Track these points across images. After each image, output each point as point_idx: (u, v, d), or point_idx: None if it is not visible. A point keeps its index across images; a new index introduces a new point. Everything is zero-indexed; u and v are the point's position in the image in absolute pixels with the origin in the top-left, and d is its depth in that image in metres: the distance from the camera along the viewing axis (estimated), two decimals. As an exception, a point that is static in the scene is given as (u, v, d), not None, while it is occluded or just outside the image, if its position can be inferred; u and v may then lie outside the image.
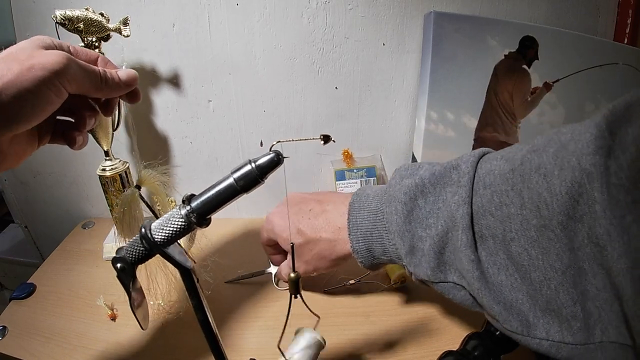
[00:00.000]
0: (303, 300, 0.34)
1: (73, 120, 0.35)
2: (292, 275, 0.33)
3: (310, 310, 0.36)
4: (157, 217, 0.30)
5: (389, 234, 0.35)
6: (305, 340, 0.37)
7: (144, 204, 0.30)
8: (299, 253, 0.44)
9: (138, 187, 0.31)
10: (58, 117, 0.35)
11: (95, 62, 0.35)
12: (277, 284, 0.53)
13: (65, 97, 0.30)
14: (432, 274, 0.33)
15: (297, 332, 0.38)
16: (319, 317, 0.37)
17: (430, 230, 0.32)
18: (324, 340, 0.38)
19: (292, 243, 0.33)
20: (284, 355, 0.35)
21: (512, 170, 0.29)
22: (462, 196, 0.31)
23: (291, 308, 0.33)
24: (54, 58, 0.28)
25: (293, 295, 0.34)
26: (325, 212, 0.43)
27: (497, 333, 0.38)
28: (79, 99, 0.34)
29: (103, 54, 0.53)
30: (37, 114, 0.29)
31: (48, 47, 0.30)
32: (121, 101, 0.56)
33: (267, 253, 0.52)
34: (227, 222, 0.69)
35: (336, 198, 0.44)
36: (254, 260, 0.57)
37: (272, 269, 0.54)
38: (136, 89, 0.37)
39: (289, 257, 0.47)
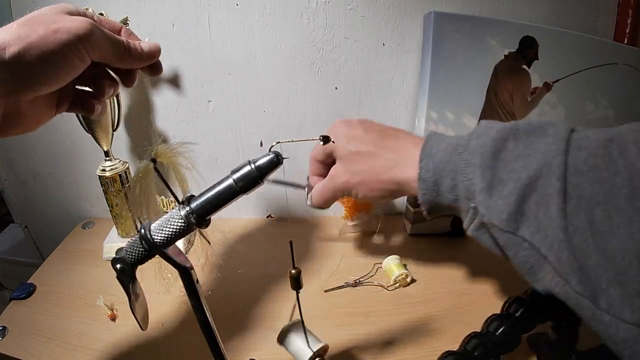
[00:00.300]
0: (299, 305, 0.34)
1: (92, 90, 0.36)
2: (293, 272, 0.33)
3: (315, 337, 0.36)
4: (172, 194, 0.30)
5: (467, 167, 0.32)
6: (299, 347, 0.37)
7: (159, 179, 0.29)
8: (352, 160, 0.41)
9: (154, 160, 0.30)
10: (77, 87, 0.35)
11: (118, 33, 0.35)
12: (308, 200, 0.48)
13: (88, 63, 0.30)
14: (507, 220, 0.30)
15: (305, 334, 0.38)
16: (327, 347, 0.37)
17: (514, 174, 0.30)
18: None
19: (290, 241, 0.32)
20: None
21: (609, 139, 0.29)
22: (560, 147, 0.29)
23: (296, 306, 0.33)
24: (79, 23, 0.29)
25: (296, 291, 0.34)
26: (397, 136, 0.40)
27: (498, 333, 0.38)
28: (100, 69, 0.34)
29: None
30: (60, 77, 0.29)
31: (72, 13, 0.31)
32: (121, 101, 0.57)
33: (311, 169, 0.48)
34: (224, 222, 0.69)
35: (408, 133, 0.42)
36: (253, 260, 0.57)
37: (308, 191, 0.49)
38: (158, 62, 0.37)
39: (327, 180, 0.44)
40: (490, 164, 0.31)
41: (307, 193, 0.48)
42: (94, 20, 0.32)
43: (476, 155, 0.32)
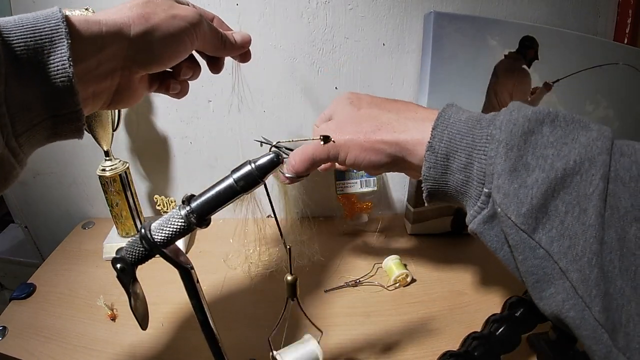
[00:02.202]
0: (302, 309, 0.34)
1: (171, 70, 0.37)
2: (289, 278, 0.33)
3: (313, 324, 0.36)
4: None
5: (489, 143, 0.27)
6: (305, 351, 0.37)
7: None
8: (348, 117, 0.35)
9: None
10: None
11: (212, 22, 0.37)
12: (282, 173, 0.39)
13: (193, 49, 0.33)
14: (525, 215, 0.25)
15: (303, 339, 0.38)
16: (321, 332, 0.37)
17: (545, 161, 0.25)
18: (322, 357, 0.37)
19: (289, 246, 0.32)
20: (271, 348, 0.35)
21: None
22: (605, 145, 0.25)
23: (291, 311, 0.33)
24: (192, 13, 0.31)
25: (290, 299, 0.34)
26: (407, 103, 0.36)
27: (498, 333, 0.38)
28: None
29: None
30: (173, 58, 0.32)
31: (181, 2, 0.33)
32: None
33: (318, 124, 0.40)
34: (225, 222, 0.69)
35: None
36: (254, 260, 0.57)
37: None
38: (248, 50, 0.40)
39: (331, 122, 0.37)
40: (518, 143, 0.26)
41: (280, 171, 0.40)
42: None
43: (503, 131, 0.26)
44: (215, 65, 0.40)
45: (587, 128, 0.26)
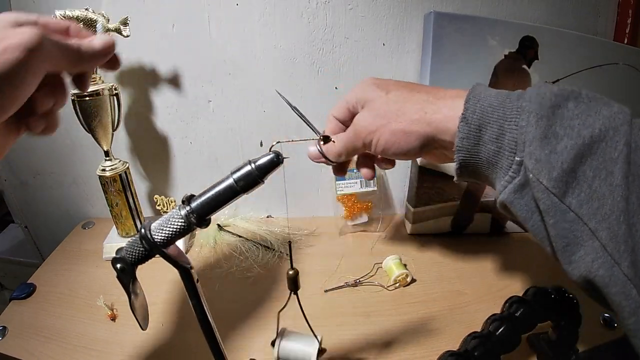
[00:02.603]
0: (301, 308, 0.34)
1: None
2: (291, 272, 0.33)
3: (313, 332, 0.36)
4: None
5: (521, 114, 0.28)
6: (304, 350, 0.37)
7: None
8: (377, 105, 0.35)
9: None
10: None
11: (67, 32, 0.32)
12: (319, 147, 0.41)
13: (41, 77, 0.27)
14: (556, 180, 0.26)
15: (309, 337, 0.38)
16: (320, 342, 0.37)
17: (572, 130, 0.27)
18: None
19: (289, 241, 0.33)
20: (278, 325, 0.35)
21: None
22: (626, 118, 0.27)
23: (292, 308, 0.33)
24: (27, 37, 0.25)
25: (292, 293, 0.34)
26: (434, 86, 0.36)
27: (498, 333, 0.38)
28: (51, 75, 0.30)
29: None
30: (15, 101, 0.26)
31: (19, 24, 0.27)
32: (121, 101, 0.57)
33: (328, 126, 0.42)
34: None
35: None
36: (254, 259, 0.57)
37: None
38: (114, 56, 0.33)
39: (349, 129, 0.38)
40: (547, 114, 0.27)
41: (318, 142, 0.41)
42: (40, 25, 0.29)
43: (533, 103, 0.28)
44: (81, 82, 0.33)
45: (608, 104, 0.28)
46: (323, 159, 0.40)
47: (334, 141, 0.33)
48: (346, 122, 0.40)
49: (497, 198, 0.30)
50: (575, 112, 0.27)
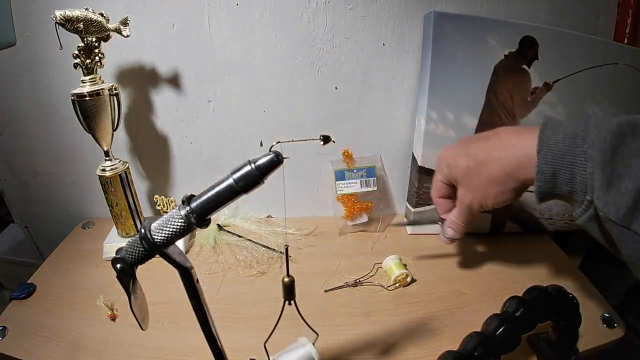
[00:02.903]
0: (299, 311, 0.34)
1: None
2: (286, 279, 0.33)
3: (309, 326, 0.36)
4: None
5: (587, 162, 0.32)
6: (299, 353, 0.37)
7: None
8: (468, 180, 0.42)
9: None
10: None
11: None
12: (444, 235, 0.49)
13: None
14: (623, 215, 0.30)
15: (297, 341, 0.38)
16: (317, 334, 0.37)
17: (631, 169, 0.30)
18: (318, 358, 0.37)
19: (286, 245, 0.32)
20: (268, 355, 0.35)
21: None
22: None
23: (289, 313, 0.33)
24: None
25: (287, 302, 0.33)
26: (497, 133, 0.40)
27: (498, 333, 0.38)
28: None
29: (103, 54, 0.53)
30: None
31: None
32: (121, 101, 0.57)
33: (438, 209, 0.49)
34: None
35: (508, 127, 0.41)
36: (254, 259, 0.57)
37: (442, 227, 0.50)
38: None
39: (458, 206, 0.45)
40: (610, 160, 0.31)
41: (442, 227, 0.49)
42: None
43: (596, 151, 0.31)
44: None
45: None
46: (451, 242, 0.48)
47: (333, 141, 0.33)
48: (449, 196, 0.47)
49: (574, 218, 0.35)
50: (633, 148, 0.31)
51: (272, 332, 0.34)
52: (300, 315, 0.34)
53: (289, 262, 0.34)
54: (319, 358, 0.37)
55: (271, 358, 0.36)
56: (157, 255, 0.29)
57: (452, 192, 0.46)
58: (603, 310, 0.49)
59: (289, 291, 0.33)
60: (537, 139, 0.35)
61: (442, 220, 0.48)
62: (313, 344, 0.37)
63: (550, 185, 0.35)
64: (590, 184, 0.32)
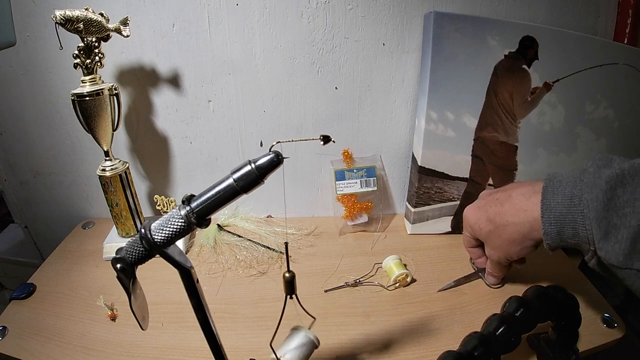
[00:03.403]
0: (299, 301, 0.34)
1: None
2: (287, 275, 0.33)
3: (306, 311, 0.36)
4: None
5: (585, 220, 0.37)
6: (299, 339, 0.37)
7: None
8: (491, 241, 0.48)
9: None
10: None
11: None
12: (487, 283, 0.54)
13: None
14: (623, 260, 0.34)
15: (291, 330, 0.38)
16: (314, 319, 0.37)
17: (625, 219, 0.34)
18: (317, 340, 0.38)
19: (285, 242, 0.33)
20: (275, 354, 0.35)
21: None
22: None
23: (285, 308, 0.33)
24: None
25: (288, 296, 0.34)
26: (510, 197, 0.45)
27: (498, 333, 0.38)
28: None
29: (103, 54, 0.53)
30: None
31: None
32: (121, 101, 0.57)
33: (472, 256, 0.54)
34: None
35: (519, 185, 0.46)
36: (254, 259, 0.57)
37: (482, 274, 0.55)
38: None
39: (489, 261, 0.51)
40: (604, 215, 0.35)
41: (483, 275, 0.55)
42: None
43: (591, 210, 0.36)
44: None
45: None
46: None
47: (333, 141, 0.33)
48: (478, 246, 0.52)
49: (587, 262, 0.39)
50: (624, 199, 0.34)
51: (276, 331, 0.34)
52: (300, 303, 0.35)
53: (289, 261, 0.34)
54: (314, 336, 0.38)
55: (279, 356, 0.36)
56: (157, 255, 0.29)
57: (480, 242, 0.51)
58: (603, 310, 0.49)
59: (290, 286, 0.33)
60: (540, 203, 0.40)
61: (482, 270, 0.54)
62: (309, 328, 0.37)
63: (557, 241, 0.40)
64: (590, 237, 0.36)
